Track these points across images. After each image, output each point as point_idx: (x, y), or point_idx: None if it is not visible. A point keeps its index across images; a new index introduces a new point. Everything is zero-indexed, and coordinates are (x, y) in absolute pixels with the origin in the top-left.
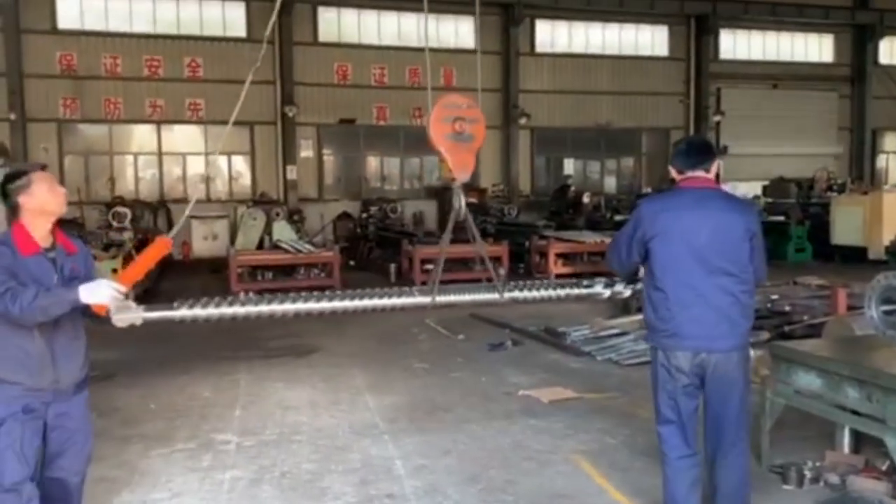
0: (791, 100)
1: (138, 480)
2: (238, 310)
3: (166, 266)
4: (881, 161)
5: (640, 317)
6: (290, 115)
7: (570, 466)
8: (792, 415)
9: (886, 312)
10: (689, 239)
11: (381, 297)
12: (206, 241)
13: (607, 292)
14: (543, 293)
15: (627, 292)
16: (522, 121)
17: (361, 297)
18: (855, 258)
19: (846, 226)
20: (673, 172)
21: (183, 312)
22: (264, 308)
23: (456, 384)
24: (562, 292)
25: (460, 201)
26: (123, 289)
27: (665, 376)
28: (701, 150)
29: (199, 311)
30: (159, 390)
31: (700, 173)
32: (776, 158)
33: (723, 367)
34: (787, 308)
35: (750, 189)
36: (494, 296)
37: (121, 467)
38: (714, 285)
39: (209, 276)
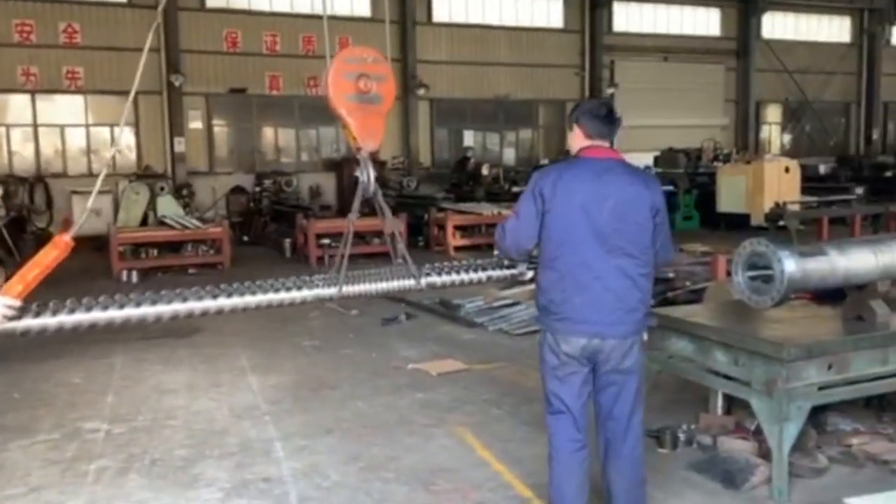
0: (681, 72)
1: None
2: (98, 315)
3: (44, 245)
4: (764, 132)
5: (532, 287)
6: (177, 84)
7: (454, 440)
8: (671, 380)
9: (751, 278)
10: (588, 215)
11: (277, 290)
12: (88, 215)
13: (531, 273)
14: (464, 276)
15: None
16: (421, 91)
17: (255, 292)
18: (739, 225)
19: (731, 194)
20: (578, 137)
21: (27, 323)
22: (132, 312)
23: (345, 361)
24: (483, 275)
25: (368, 173)
26: (18, 303)
27: (554, 362)
28: (612, 118)
29: (48, 320)
30: (25, 377)
31: (605, 143)
32: (667, 130)
33: (617, 355)
34: (671, 275)
35: (642, 159)
36: (410, 282)
37: None
38: (613, 267)
39: (92, 254)
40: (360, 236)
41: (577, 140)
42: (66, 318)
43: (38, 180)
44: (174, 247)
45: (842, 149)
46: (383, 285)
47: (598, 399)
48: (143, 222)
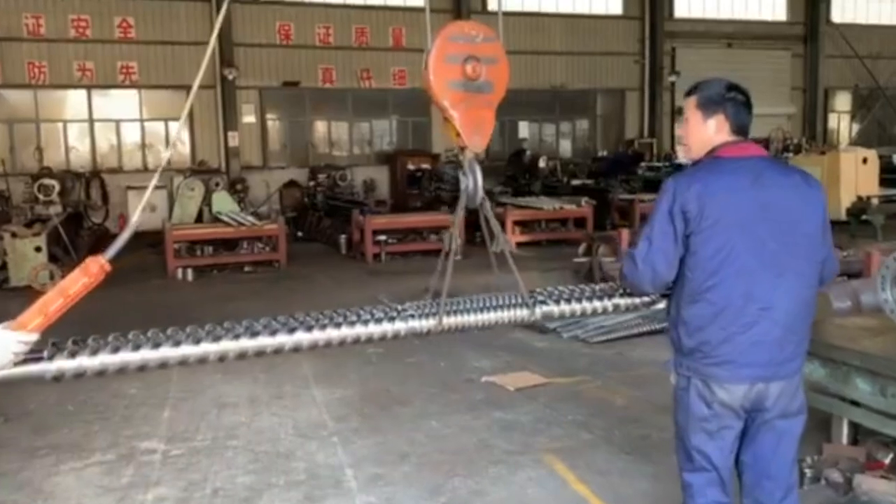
0: (745, 59)
1: None
2: (149, 355)
3: (101, 242)
4: (832, 121)
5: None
6: (230, 77)
7: (544, 469)
8: None
9: None
10: (749, 232)
11: (366, 322)
12: (143, 213)
13: (663, 303)
14: (586, 305)
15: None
16: None
17: (339, 324)
18: None
19: None
20: (717, 130)
21: (61, 365)
22: (191, 351)
23: (413, 371)
24: (609, 303)
25: (475, 178)
26: (34, 337)
27: (704, 413)
28: (751, 106)
29: (85, 362)
30: (80, 387)
31: (744, 138)
32: None
33: (785, 398)
34: None
35: None
36: (522, 312)
37: (22, 488)
38: (782, 292)
39: (147, 251)
40: (417, 232)
41: (714, 134)
42: (110, 359)
43: (95, 176)
44: (230, 244)
45: None
46: (490, 316)
47: (748, 453)
48: (198, 218)
